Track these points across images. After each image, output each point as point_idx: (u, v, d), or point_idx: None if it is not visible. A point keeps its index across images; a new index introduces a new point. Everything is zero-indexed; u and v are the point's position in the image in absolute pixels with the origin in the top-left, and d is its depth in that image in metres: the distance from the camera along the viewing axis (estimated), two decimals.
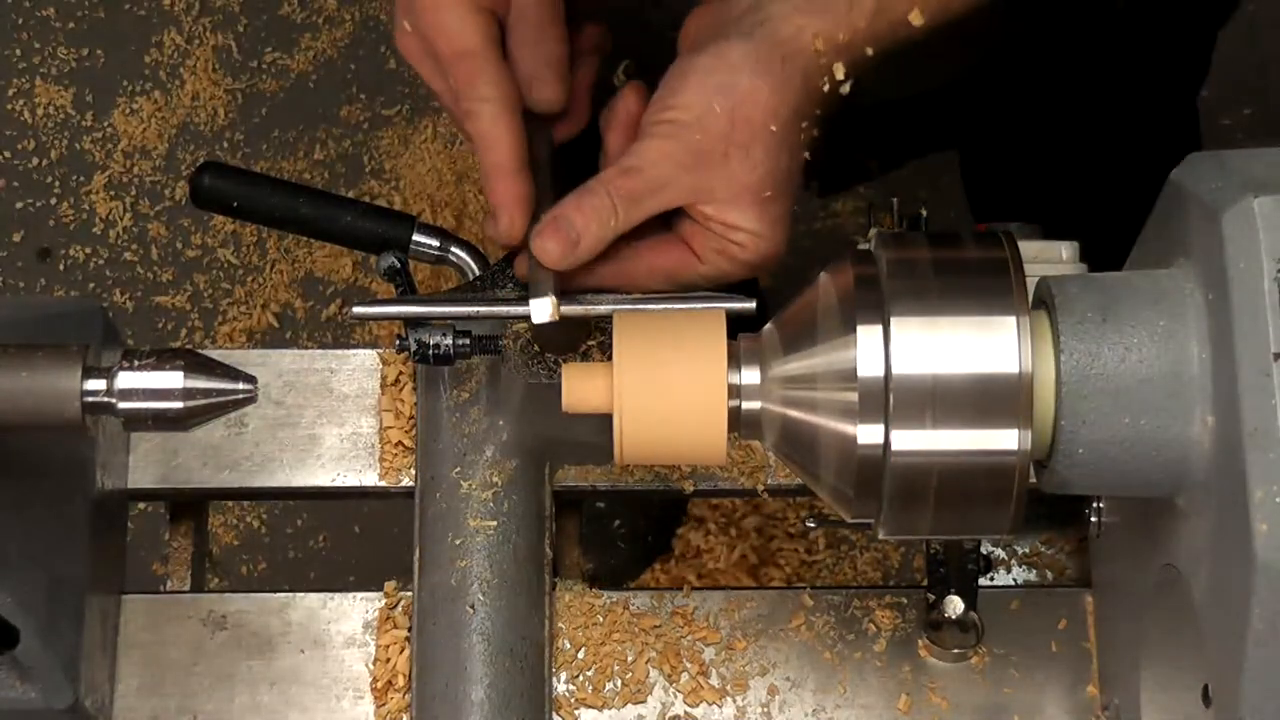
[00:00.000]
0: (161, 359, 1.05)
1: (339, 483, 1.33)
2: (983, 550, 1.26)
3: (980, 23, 1.13)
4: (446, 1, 1.15)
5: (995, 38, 1.33)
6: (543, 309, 1.14)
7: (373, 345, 1.37)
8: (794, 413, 1.07)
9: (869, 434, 1.04)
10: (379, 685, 1.28)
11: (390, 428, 1.33)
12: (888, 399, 1.03)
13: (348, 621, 1.30)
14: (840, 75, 1.11)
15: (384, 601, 1.30)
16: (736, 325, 1.12)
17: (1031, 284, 1.08)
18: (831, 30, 1.09)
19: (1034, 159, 1.63)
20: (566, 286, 1.16)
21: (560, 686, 1.27)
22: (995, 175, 1.73)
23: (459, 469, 1.26)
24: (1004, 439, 1.03)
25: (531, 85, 1.19)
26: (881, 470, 1.04)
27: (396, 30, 1.18)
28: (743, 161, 1.11)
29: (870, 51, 1.11)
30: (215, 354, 1.09)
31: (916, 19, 1.09)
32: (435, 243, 1.26)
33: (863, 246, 1.11)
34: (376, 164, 2.53)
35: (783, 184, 1.13)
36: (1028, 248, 1.09)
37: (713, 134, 1.10)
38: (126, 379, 1.04)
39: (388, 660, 1.28)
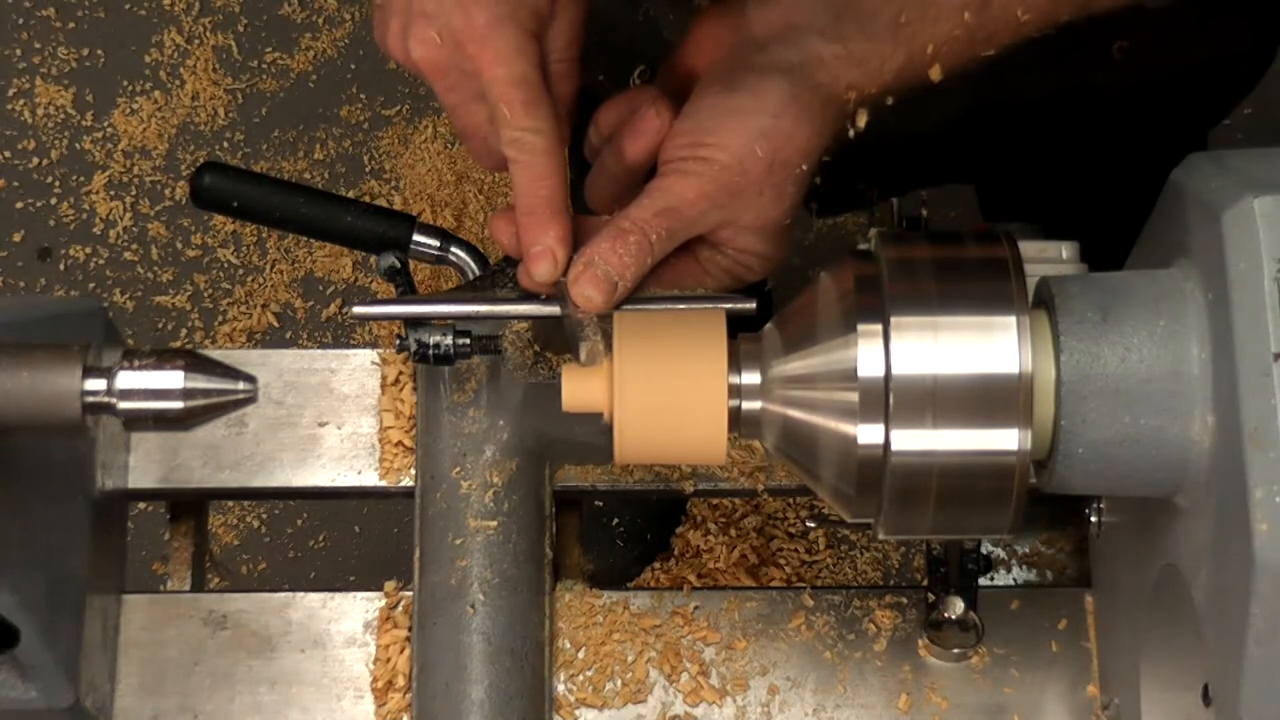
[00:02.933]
0: (161, 359, 1.04)
1: (339, 483, 1.33)
2: (983, 550, 1.26)
3: (984, 69, 1.13)
4: (496, 23, 1.10)
5: (999, 85, 1.33)
6: (591, 354, 1.13)
7: (373, 345, 1.36)
8: (794, 413, 1.07)
9: (869, 434, 1.04)
10: (379, 685, 1.28)
11: (390, 428, 1.33)
12: (888, 399, 1.03)
13: (348, 621, 1.30)
14: (861, 123, 1.11)
15: (384, 601, 1.30)
16: (737, 325, 1.12)
17: (1031, 284, 1.08)
18: (864, 84, 1.10)
19: (1034, 159, 1.63)
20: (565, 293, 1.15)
21: (560, 686, 1.27)
22: (996, 176, 1.73)
23: (459, 469, 1.26)
24: (1004, 439, 1.03)
25: None
26: (882, 470, 1.04)
27: (412, 38, 1.12)
28: (774, 197, 1.11)
29: (890, 100, 1.12)
30: (215, 354, 1.08)
31: (936, 74, 1.10)
32: (435, 243, 1.26)
33: (863, 246, 1.11)
34: (376, 164, 2.52)
35: (798, 209, 1.13)
36: (1028, 248, 1.09)
37: (751, 176, 1.09)
38: (126, 379, 1.03)
39: (388, 660, 1.28)
